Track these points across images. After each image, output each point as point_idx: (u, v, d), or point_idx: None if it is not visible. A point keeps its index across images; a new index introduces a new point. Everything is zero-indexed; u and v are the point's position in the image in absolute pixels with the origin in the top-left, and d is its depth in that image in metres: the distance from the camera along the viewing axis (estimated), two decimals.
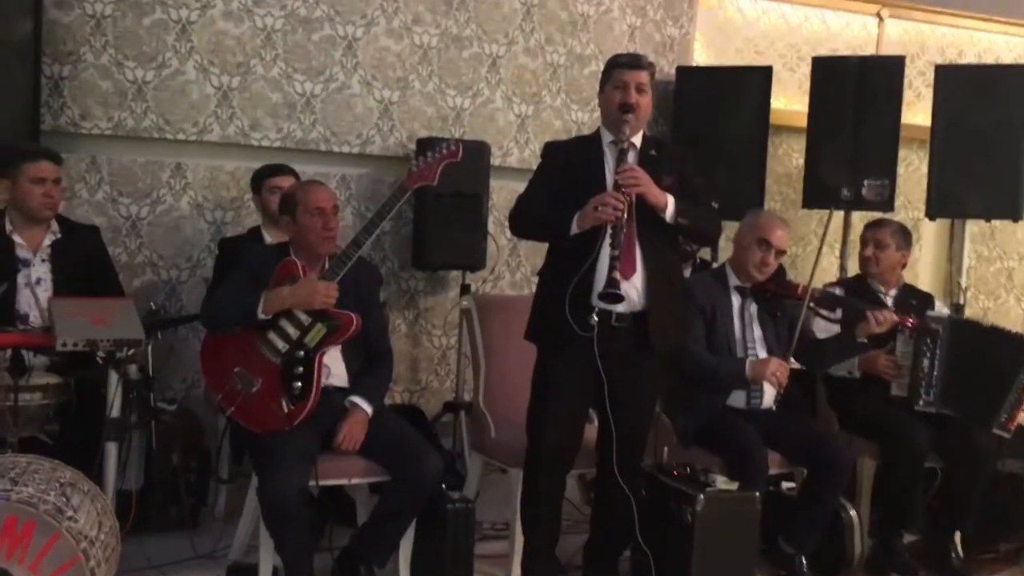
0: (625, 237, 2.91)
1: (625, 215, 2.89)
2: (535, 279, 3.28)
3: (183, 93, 4.29)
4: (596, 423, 3.20)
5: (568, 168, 3.10)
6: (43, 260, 3.42)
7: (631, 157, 3.03)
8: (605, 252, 2.93)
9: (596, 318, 2.93)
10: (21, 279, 3.36)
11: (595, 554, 3.26)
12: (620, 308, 2.97)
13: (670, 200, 3.00)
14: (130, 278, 4.19)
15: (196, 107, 4.32)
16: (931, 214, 5.19)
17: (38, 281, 3.38)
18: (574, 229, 2.96)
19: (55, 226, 3.49)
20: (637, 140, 3.09)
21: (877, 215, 4.62)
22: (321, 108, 4.56)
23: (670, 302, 3.11)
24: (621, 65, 3.09)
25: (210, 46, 4.32)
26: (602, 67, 3.18)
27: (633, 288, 2.99)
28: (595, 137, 3.17)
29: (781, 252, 3.55)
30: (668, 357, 3.24)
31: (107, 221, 4.18)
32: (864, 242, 3.95)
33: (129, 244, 4.27)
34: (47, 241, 3.45)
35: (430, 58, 4.78)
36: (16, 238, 3.40)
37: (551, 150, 3.23)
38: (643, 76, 3.06)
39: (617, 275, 2.88)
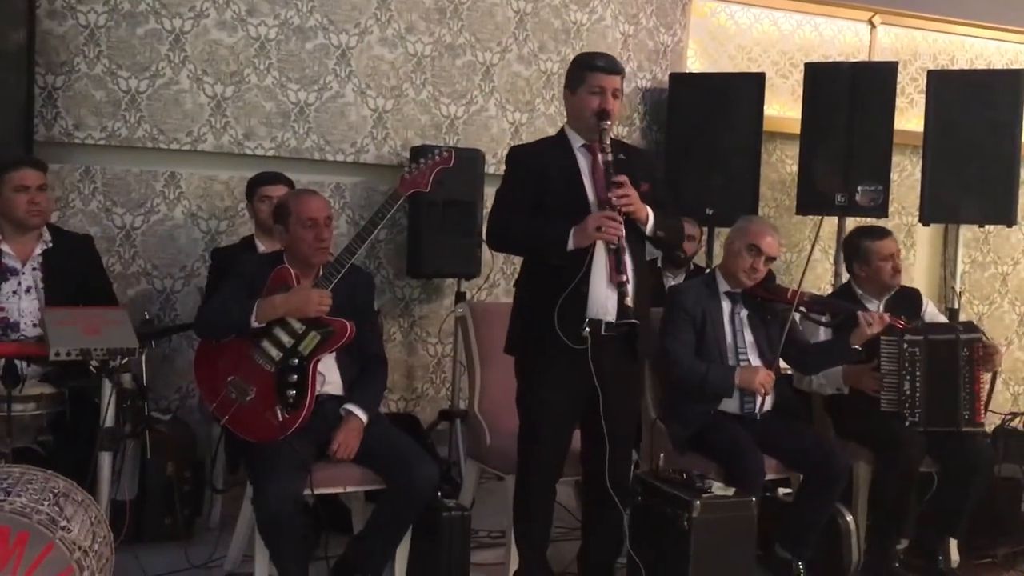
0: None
1: (624, 235, 2.89)
2: None
3: (177, 103, 4.30)
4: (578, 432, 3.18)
5: (542, 176, 3.02)
6: (34, 269, 3.41)
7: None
8: (599, 265, 2.93)
9: (588, 330, 2.92)
10: (9, 288, 3.35)
11: (589, 562, 3.25)
12: (610, 318, 2.97)
13: (650, 213, 3.00)
14: (124, 288, 4.19)
15: (190, 116, 4.32)
16: (925, 219, 5.20)
17: (28, 290, 3.38)
18: (571, 246, 2.91)
19: (46, 235, 3.48)
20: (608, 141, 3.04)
21: (871, 221, 4.63)
22: (315, 117, 4.56)
23: (649, 308, 3.13)
24: (599, 69, 3.01)
25: (204, 55, 4.33)
26: None
27: (616, 295, 2.98)
28: (563, 140, 3.10)
29: (771, 258, 3.54)
30: (659, 364, 3.23)
31: (101, 231, 4.17)
32: (886, 257, 3.83)
33: (123, 254, 4.26)
34: (38, 250, 3.44)
35: (424, 66, 4.78)
36: (4, 247, 3.39)
37: (520, 157, 3.11)
38: (619, 81, 3.03)
39: (629, 302, 2.89)
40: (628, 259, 2.97)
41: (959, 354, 3.65)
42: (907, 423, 3.62)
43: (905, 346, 3.62)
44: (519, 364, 3.13)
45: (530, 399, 3.08)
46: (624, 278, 2.90)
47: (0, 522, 2.33)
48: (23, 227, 3.41)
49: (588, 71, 3.02)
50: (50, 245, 3.47)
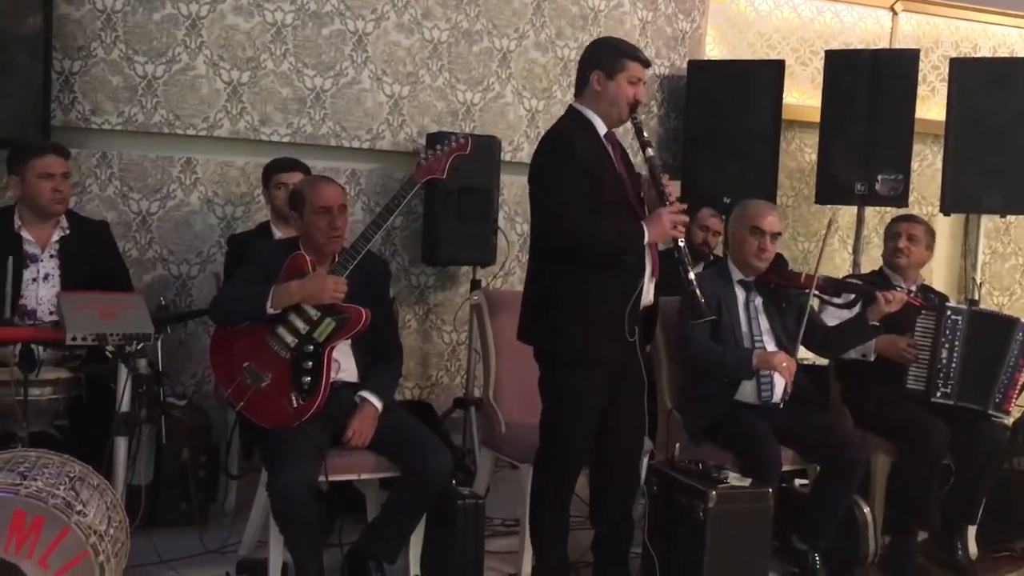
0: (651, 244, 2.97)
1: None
2: None
3: (193, 88, 4.29)
4: None
5: (586, 162, 2.93)
6: (51, 256, 3.41)
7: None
8: (647, 265, 2.96)
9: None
10: (29, 275, 3.35)
11: (605, 550, 3.23)
12: (645, 304, 3.02)
13: None
14: (140, 273, 4.19)
15: (206, 102, 4.32)
16: (946, 209, 5.15)
17: (46, 277, 3.38)
18: (647, 241, 2.90)
19: (64, 222, 3.48)
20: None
21: (891, 211, 4.60)
22: (331, 103, 4.55)
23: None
24: (640, 61, 3.00)
25: (220, 41, 4.32)
26: None
27: (652, 286, 3.04)
28: (588, 126, 3.01)
29: (776, 235, 3.53)
30: (676, 352, 3.23)
31: (117, 216, 4.18)
32: (895, 234, 3.92)
33: (139, 239, 4.27)
34: (56, 237, 3.44)
35: (440, 53, 4.76)
36: (24, 234, 3.39)
37: (565, 145, 2.95)
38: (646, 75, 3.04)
39: (702, 299, 2.93)
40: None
41: (1014, 336, 3.64)
42: (938, 394, 3.59)
43: (948, 313, 3.61)
44: (559, 361, 3.01)
45: (567, 393, 3.00)
46: (692, 275, 2.93)
47: (16, 506, 2.33)
48: (45, 214, 3.41)
49: (630, 60, 2.98)
50: (67, 231, 3.47)
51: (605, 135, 3.03)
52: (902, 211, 4.50)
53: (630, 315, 2.94)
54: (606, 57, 3.01)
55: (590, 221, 2.90)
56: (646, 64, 3.02)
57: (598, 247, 2.93)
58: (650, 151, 2.96)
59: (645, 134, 2.98)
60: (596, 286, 2.93)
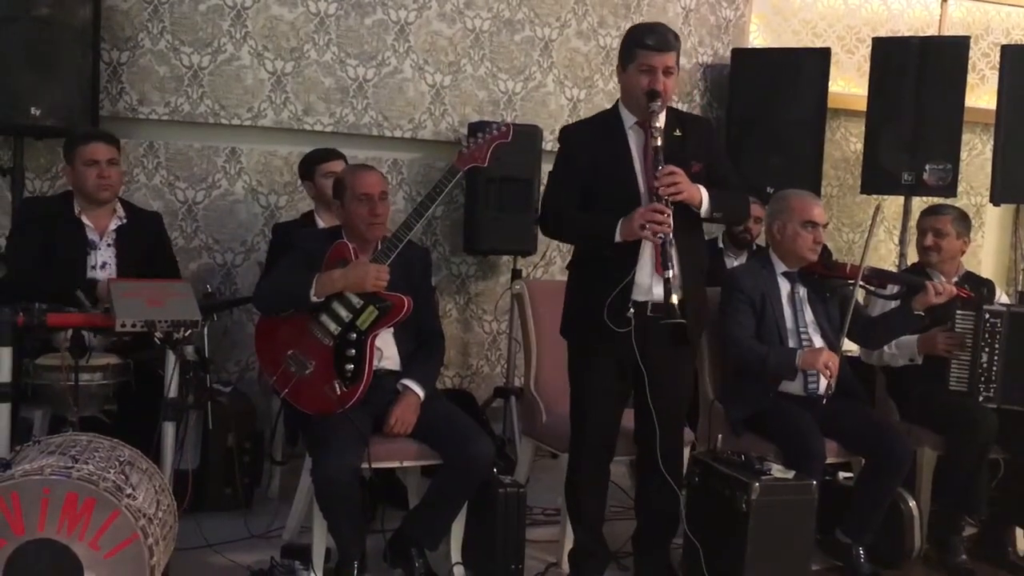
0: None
1: (672, 229, 2.80)
2: None
3: (238, 78, 4.33)
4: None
5: (592, 158, 2.95)
6: (108, 244, 3.48)
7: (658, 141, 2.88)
8: (646, 252, 2.90)
9: (632, 310, 2.91)
10: (90, 261, 3.42)
11: (644, 542, 3.23)
12: (655, 299, 2.91)
13: (705, 196, 2.90)
14: (186, 261, 4.25)
15: (250, 92, 4.36)
16: (996, 199, 5.05)
17: (103, 265, 3.44)
18: (618, 238, 2.87)
19: (120, 211, 3.54)
20: (661, 119, 2.91)
21: (938, 201, 4.52)
22: (373, 93, 4.57)
23: (699, 289, 3.07)
24: (647, 47, 2.86)
25: (264, 31, 4.35)
26: None
27: (655, 280, 2.94)
28: (615, 116, 3.00)
29: (825, 225, 3.50)
30: (719, 346, 3.18)
31: (164, 205, 4.24)
32: (923, 231, 3.82)
33: (185, 228, 4.33)
34: (113, 225, 3.50)
35: (482, 42, 4.76)
36: (85, 220, 3.46)
37: (570, 138, 3.03)
38: (671, 59, 2.88)
39: (674, 299, 2.79)
40: (675, 252, 2.84)
41: None
42: (980, 398, 3.52)
43: (987, 316, 3.52)
44: (570, 346, 3.13)
45: (578, 380, 3.09)
46: (669, 274, 2.79)
47: (68, 488, 2.38)
48: (94, 201, 3.47)
49: (637, 48, 2.88)
50: (124, 221, 3.53)
51: (636, 124, 2.96)
52: (931, 202, 4.38)
53: (613, 308, 2.88)
54: (623, 48, 2.97)
55: (565, 213, 3.00)
56: (658, 49, 2.84)
57: (569, 237, 3.16)
58: (656, 141, 2.84)
59: (658, 124, 2.85)
60: (585, 276, 3.04)
